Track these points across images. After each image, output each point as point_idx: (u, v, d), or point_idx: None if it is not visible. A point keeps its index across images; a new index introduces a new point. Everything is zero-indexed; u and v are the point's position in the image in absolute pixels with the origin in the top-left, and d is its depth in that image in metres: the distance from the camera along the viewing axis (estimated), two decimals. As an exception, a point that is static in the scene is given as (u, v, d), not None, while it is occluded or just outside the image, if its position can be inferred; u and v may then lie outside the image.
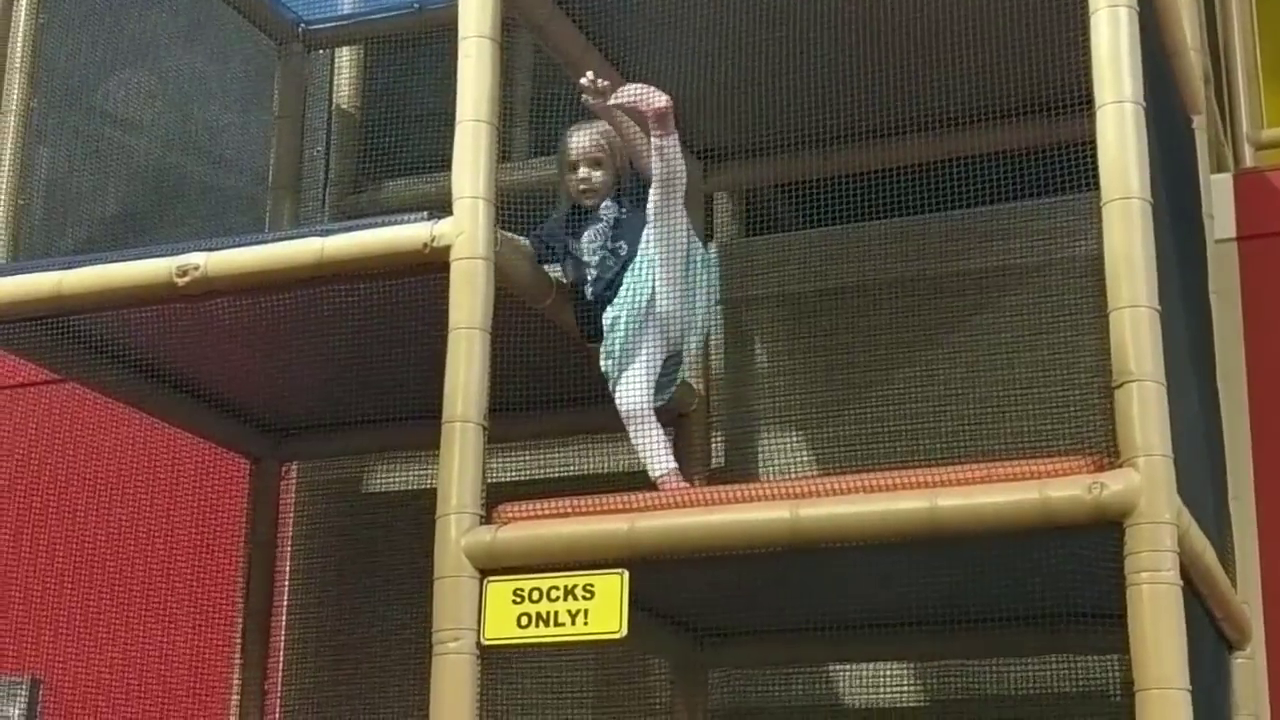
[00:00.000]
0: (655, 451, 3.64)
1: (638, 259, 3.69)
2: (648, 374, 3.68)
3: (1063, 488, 3.03)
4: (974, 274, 4.36)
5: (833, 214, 4.46)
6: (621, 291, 3.68)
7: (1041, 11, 3.68)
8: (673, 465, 3.64)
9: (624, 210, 3.80)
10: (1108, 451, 3.07)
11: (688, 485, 3.69)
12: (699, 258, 3.75)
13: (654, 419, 3.69)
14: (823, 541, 3.19)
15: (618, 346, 3.67)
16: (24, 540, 4.95)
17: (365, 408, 4.56)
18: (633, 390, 3.67)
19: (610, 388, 3.71)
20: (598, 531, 3.32)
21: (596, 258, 3.76)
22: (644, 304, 3.66)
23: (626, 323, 3.66)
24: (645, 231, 3.69)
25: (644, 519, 3.30)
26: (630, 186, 3.83)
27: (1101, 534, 3.03)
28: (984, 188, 4.06)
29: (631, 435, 3.67)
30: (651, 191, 3.69)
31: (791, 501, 3.20)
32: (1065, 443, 3.49)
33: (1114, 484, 3.00)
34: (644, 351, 3.68)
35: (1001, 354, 4.20)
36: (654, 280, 3.65)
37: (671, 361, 3.75)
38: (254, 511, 4.74)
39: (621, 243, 3.76)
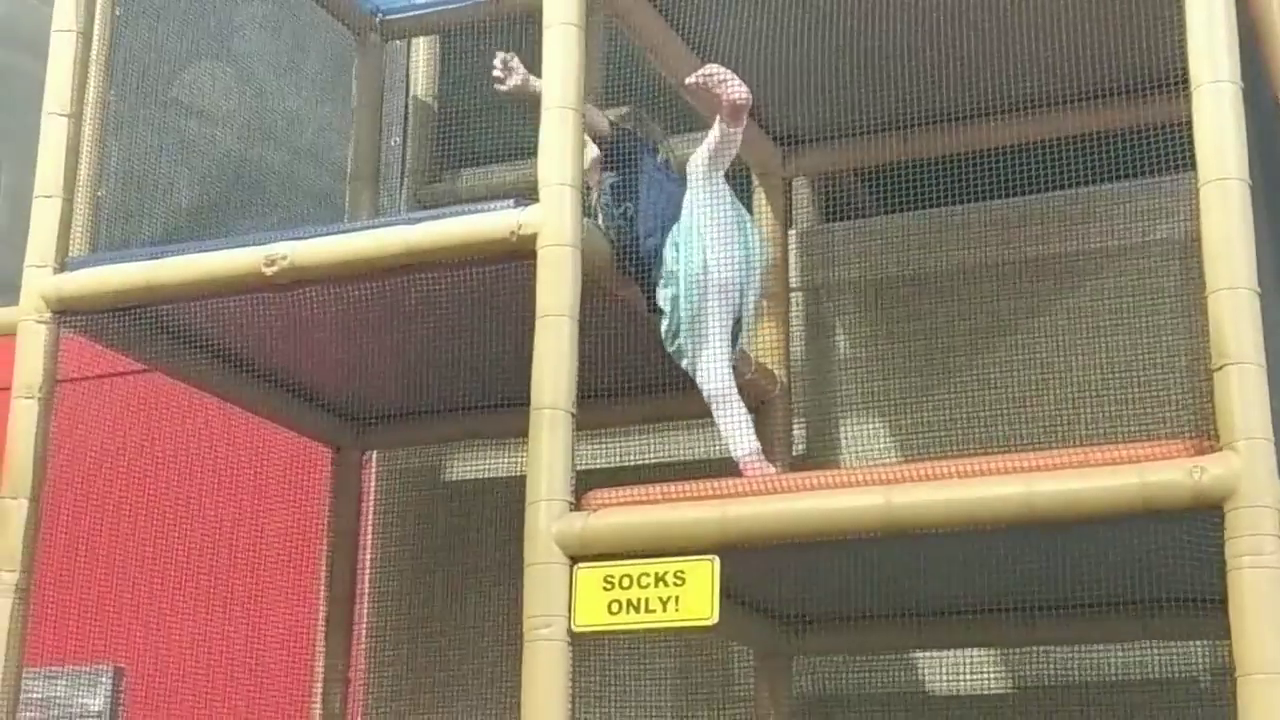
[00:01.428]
0: (739, 431, 3.63)
1: (683, 229, 3.65)
2: (723, 349, 3.66)
3: (1162, 472, 3.00)
4: (1063, 257, 4.32)
5: (913, 199, 4.45)
6: (670, 264, 3.65)
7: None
8: (756, 445, 3.63)
9: (617, 173, 3.79)
10: (1207, 435, 3.03)
11: (771, 466, 3.68)
12: (745, 222, 3.74)
13: (738, 398, 3.68)
14: (916, 528, 3.16)
15: (682, 325, 3.66)
16: (108, 529, 4.99)
17: (446, 396, 4.57)
18: (715, 370, 3.65)
19: (685, 367, 3.68)
20: (689, 518, 3.31)
21: (603, 226, 3.75)
22: (699, 275, 3.63)
23: (687, 298, 3.63)
24: (687, 199, 3.67)
25: (735, 505, 3.29)
26: (615, 150, 3.80)
27: (1201, 519, 3.00)
28: (1073, 170, 4.02)
29: (716, 416, 3.66)
30: (698, 162, 3.66)
31: (885, 487, 3.18)
32: (1160, 425, 3.45)
33: (1214, 468, 2.96)
34: (714, 326, 3.65)
35: (1092, 337, 4.16)
36: (704, 249, 3.63)
37: (735, 327, 3.73)
38: (336, 500, 4.76)
39: (626, 205, 3.75)
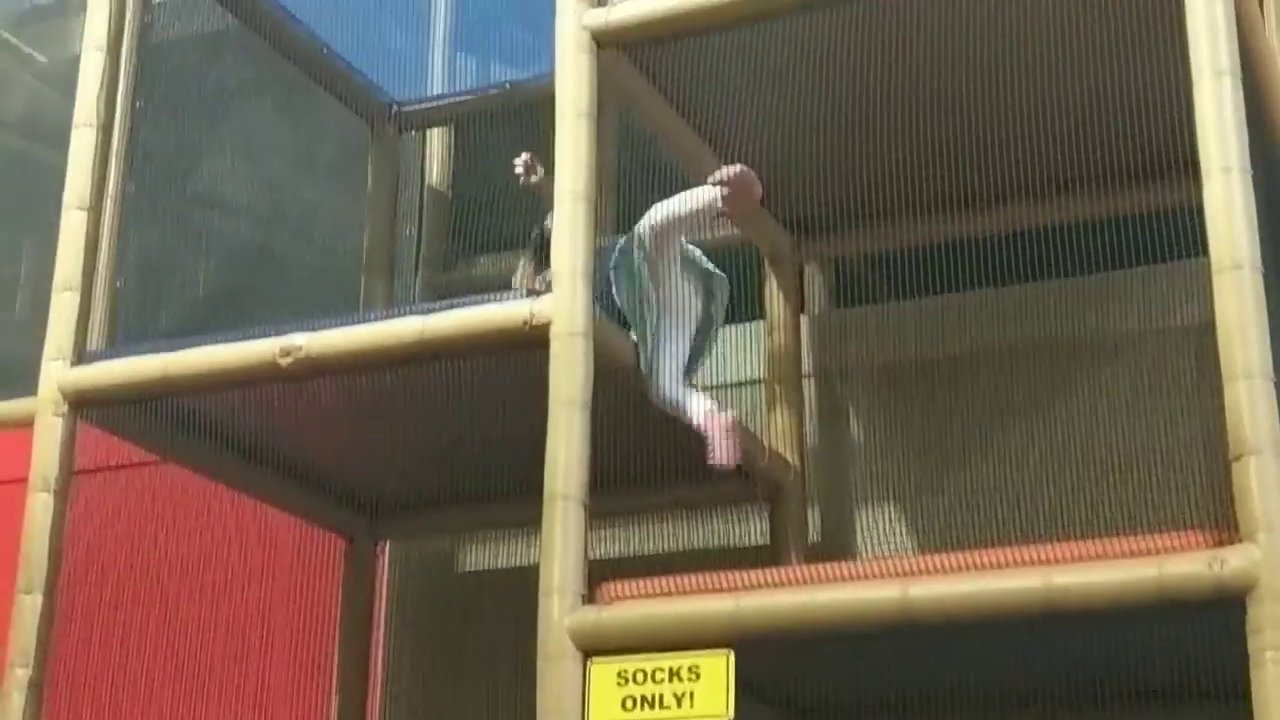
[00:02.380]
0: (694, 408, 3.73)
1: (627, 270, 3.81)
2: (675, 364, 3.83)
3: (1181, 564, 2.97)
4: (1079, 342, 4.31)
5: (926, 283, 4.45)
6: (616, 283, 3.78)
7: (1142, 79, 3.65)
8: (710, 405, 3.71)
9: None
10: (1225, 525, 3.01)
11: (729, 412, 3.72)
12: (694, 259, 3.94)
13: (689, 392, 3.80)
14: (933, 620, 3.13)
15: (643, 344, 3.76)
16: (120, 621, 4.96)
17: (459, 485, 4.55)
18: (666, 383, 3.79)
19: (646, 384, 3.78)
20: (703, 611, 3.29)
21: None
22: (642, 290, 3.74)
23: (633, 312, 3.74)
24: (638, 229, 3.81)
25: (750, 597, 3.27)
26: None
27: (1222, 611, 2.96)
28: (1088, 254, 4.03)
29: (675, 414, 3.76)
30: (665, 215, 3.75)
31: (901, 579, 3.15)
32: (1180, 511, 3.43)
33: (1234, 559, 2.93)
34: (666, 344, 3.80)
35: (1110, 423, 4.14)
36: (644, 266, 3.75)
37: (700, 335, 3.93)
38: (349, 590, 4.73)
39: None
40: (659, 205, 3.79)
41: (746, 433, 4.14)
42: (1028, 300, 4.39)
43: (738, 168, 3.73)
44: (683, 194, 3.79)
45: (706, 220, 3.83)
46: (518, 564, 4.67)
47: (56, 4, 7.15)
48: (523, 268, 4.12)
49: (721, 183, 3.71)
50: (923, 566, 3.18)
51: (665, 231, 3.80)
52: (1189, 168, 3.26)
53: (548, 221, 3.94)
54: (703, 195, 3.77)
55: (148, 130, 4.54)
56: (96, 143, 4.15)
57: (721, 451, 3.68)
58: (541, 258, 3.98)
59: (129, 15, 4.34)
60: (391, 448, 4.38)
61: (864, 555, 4.40)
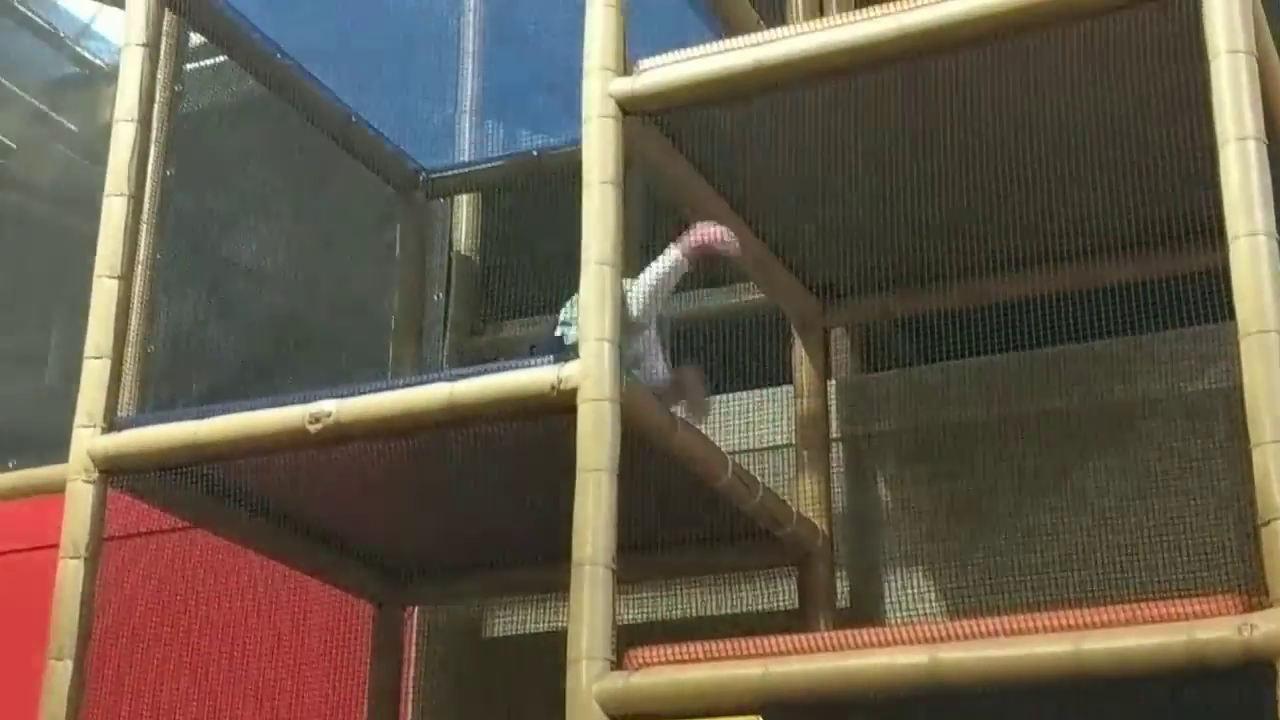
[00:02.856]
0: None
1: None
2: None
3: (1211, 629, 2.95)
4: (1109, 406, 4.30)
5: (955, 348, 4.46)
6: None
7: (1167, 145, 3.67)
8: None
9: None
10: (1256, 590, 2.99)
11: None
12: None
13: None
14: (964, 686, 3.11)
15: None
16: (148, 686, 4.97)
17: (487, 550, 4.56)
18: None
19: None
20: (732, 676, 3.27)
21: None
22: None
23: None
24: None
25: (778, 663, 3.25)
26: None
27: (1252, 675, 2.94)
28: (1117, 318, 4.04)
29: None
30: (642, 293, 3.78)
31: (931, 645, 3.14)
32: (1211, 576, 3.41)
33: (1265, 624, 2.91)
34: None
35: (1140, 487, 4.13)
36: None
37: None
38: (377, 657, 4.73)
39: None
40: (636, 286, 3.80)
41: (773, 496, 4.15)
42: (1055, 364, 4.39)
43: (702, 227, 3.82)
44: (650, 268, 3.83)
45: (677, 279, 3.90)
46: (545, 629, 4.68)
47: (86, 73, 7.27)
48: None
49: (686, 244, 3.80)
50: (952, 632, 3.17)
51: (651, 308, 3.85)
52: (1215, 232, 3.26)
53: None
54: (667, 262, 3.84)
55: (177, 198, 4.60)
56: (128, 211, 4.18)
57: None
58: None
59: (159, 85, 4.39)
60: (419, 512, 4.39)
61: (892, 620, 4.38)
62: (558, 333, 3.86)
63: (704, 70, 3.70)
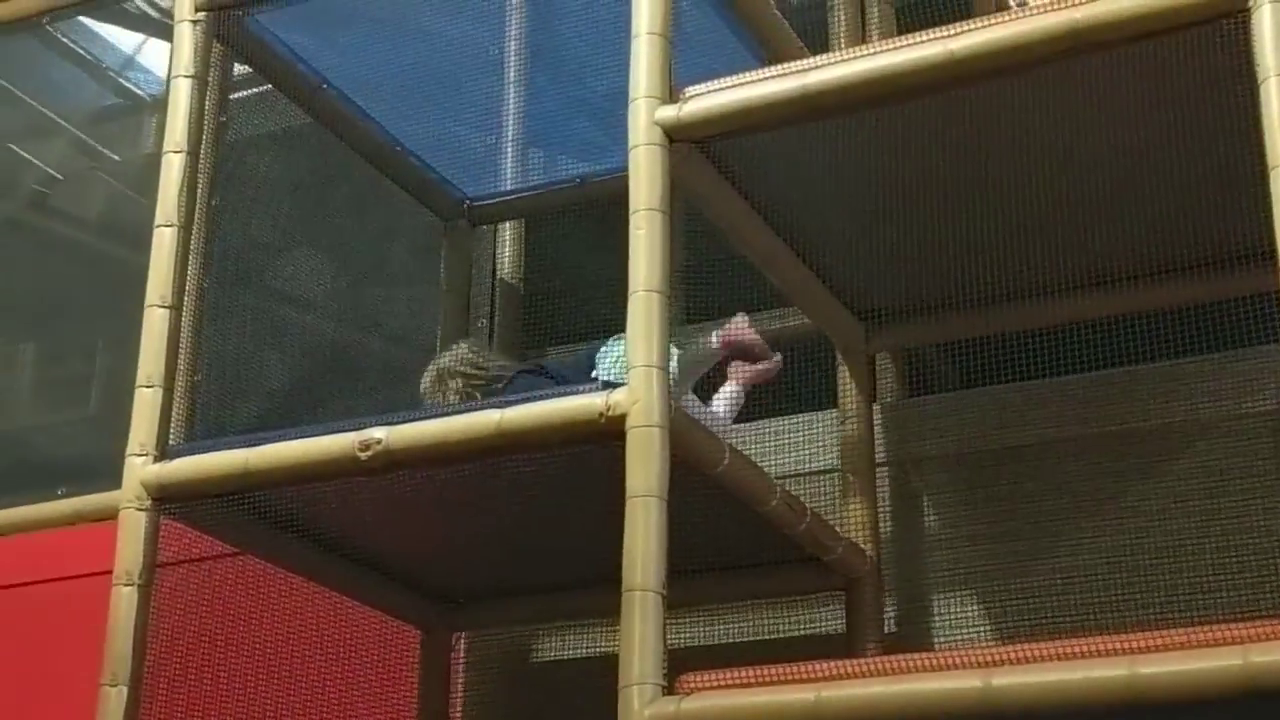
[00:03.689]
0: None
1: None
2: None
3: (1267, 652, 2.93)
4: (1156, 430, 4.29)
5: (1000, 372, 4.45)
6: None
7: (1214, 167, 3.67)
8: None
9: None
10: (1312, 613, 2.98)
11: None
12: None
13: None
14: (1016, 711, 3.11)
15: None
16: (196, 711, 4.99)
17: (535, 575, 4.58)
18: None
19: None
20: (783, 702, 3.28)
21: None
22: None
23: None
24: None
25: (830, 688, 3.25)
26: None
27: (1311, 700, 2.93)
28: (1159, 341, 4.03)
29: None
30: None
31: (983, 669, 3.13)
32: (1263, 597, 3.40)
33: (1322, 648, 2.90)
34: None
35: (1189, 511, 4.11)
36: None
37: None
38: (424, 683, 4.74)
39: None
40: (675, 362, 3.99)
41: (820, 521, 4.16)
42: (1101, 387, 4.38)
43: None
44: (689, 348, 4.20)
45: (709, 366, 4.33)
46: (594, 653, 4.69)
47: (129, 104, 7.35)
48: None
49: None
50: (1005, 656, 3.16)
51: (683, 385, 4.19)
52: (1265, 254, 3.26)
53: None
54: (708, 349, 4.29)
55: (224, 227, 4.63)
56: (177, 241, 4.23)
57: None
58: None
59: (207, 115, 4.43)
60: (467, 539, 4.41)
61: (941, 645, 4.37)
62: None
63: (750, 97, 3.72)
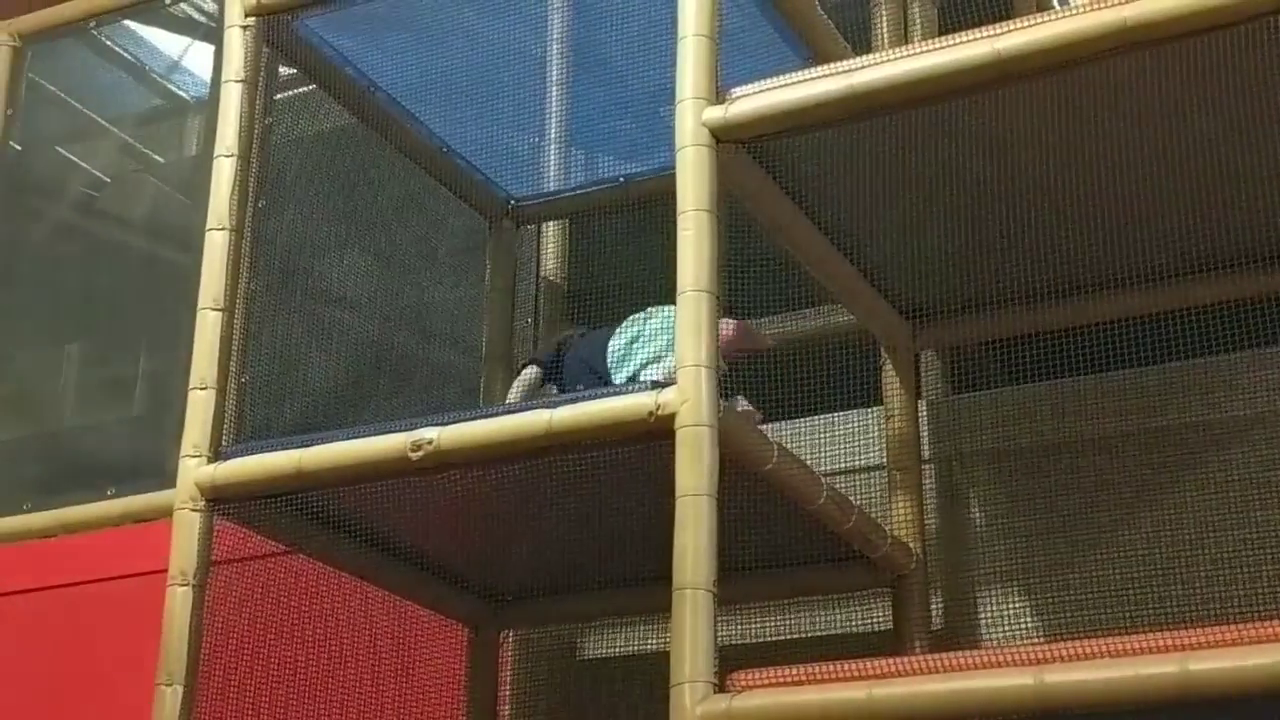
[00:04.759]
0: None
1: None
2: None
3: (1321, 649, 2.94)
4: (1203, 425, 4.28)
5: (1046, 368, 4.46)
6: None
7: (1262, 162, 3.67)
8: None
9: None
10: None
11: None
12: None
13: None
14: (1068, 708, 3.12)
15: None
16: (249, 708, 5.03)
17: (584, 573, 4.61)
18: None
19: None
20: (835, 699, 3.29)
21: None
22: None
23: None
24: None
25: (882, 686, 3.27)
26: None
27: (1365, 696, 2.93)
28: (1206, 337, 4.03)
29: None
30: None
31: (1035, 667, 3.14)
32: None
33: (1376, 644, 2.91)
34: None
35: (1238, 507, 4.11)
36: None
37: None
38: (473, 681, 4.78)
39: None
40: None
41: (867, 518, 4.17)
42: (1149, 384, 4.38)
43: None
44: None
45: None
46: (643, 650, 4.71)
47: (174, 105, 7.40)
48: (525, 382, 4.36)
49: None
50: (1057, 654, 3.17)
51: None
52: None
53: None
54: None
55: (272, 228, 4.67)
56: (229, 244, 4.27)
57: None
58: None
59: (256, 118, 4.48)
60: (516, 537, 4.45)
61: (988, 641, 4.38)
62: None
63: (796, 98, 3.74)
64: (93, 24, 6.72)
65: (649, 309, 4.16)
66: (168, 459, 5.45)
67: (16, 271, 6.67)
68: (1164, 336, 4.22)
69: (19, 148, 6.76)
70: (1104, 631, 3.35)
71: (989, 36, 3.55)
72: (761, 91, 3.79)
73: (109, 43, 7.07)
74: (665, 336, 4.02)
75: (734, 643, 4.45)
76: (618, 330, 4.19)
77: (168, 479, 4.71)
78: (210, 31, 6.54)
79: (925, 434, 4.65)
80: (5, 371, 6.59)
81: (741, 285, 4.65)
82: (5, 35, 6.58)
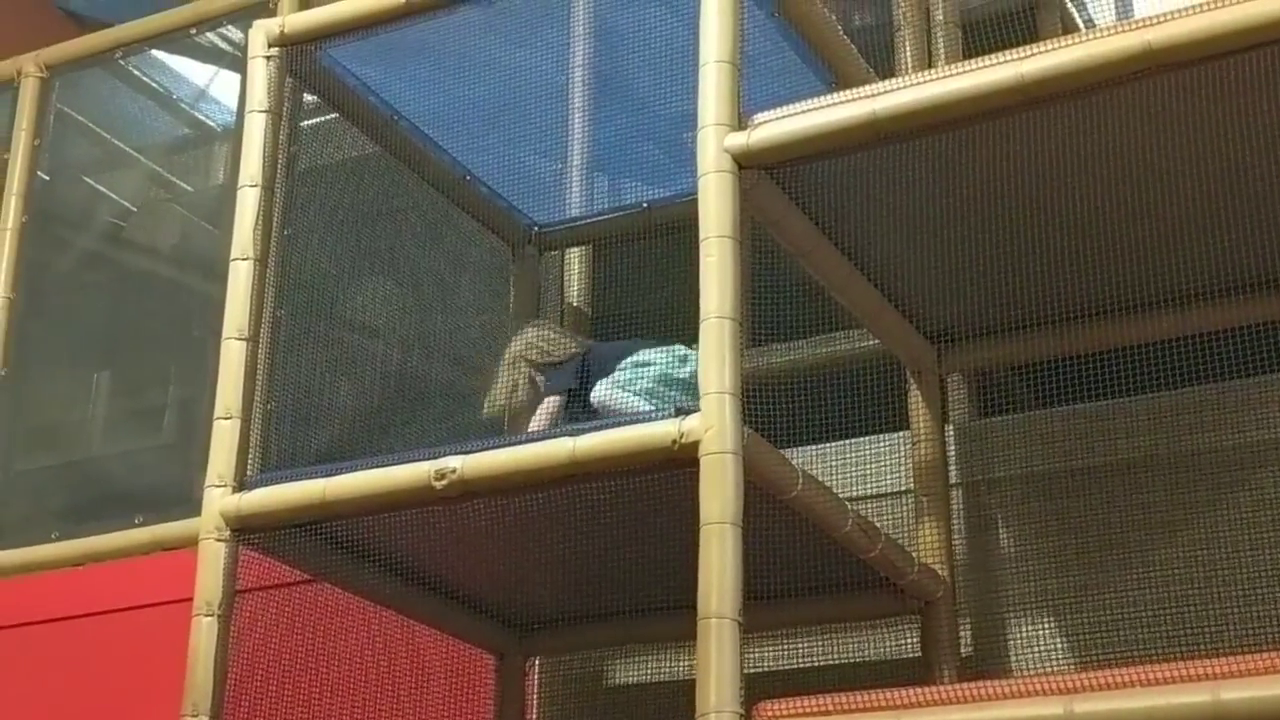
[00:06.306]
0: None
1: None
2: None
3: (1355, 677, 2.91)
4: (1236, 449, 4.24)
5: (1073, 392, 4.43)
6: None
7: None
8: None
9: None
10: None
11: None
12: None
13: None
14: (1099, 736, 3.09)
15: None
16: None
17: (609, 600, 4.59)
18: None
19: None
20: (862, 729, 3.28)
21: None
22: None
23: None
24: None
25: (911, 716, 3.25)
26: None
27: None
28: (1235, 360, 4.00)
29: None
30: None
31: (1065, 696, 3.12)
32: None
33: None
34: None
35: (1271, 531, 4.07)
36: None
37: None
38: (500, 708, 4.76)
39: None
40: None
41: (894, 544, 4.15)
42: (1178, 407, 4.34)
43: None
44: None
45: None
46: (667, 677, 4.69)
47: (200, 134, 7.44)
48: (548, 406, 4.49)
49: None
50: (1087, 683, 3.14)
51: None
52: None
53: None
54: None
55: (296, 257, 4.68)
56: (254, 275, 4.28)
57: None
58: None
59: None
60: (541, 565, 4.44)
61: (1017, 668, 4.34)
62: (603, 396, 4.34)
63: (819, 123, 3.73)
64: (119, 54, 6.76)
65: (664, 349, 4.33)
66: (195, 487, 5.46)
67: (45, 301, 6.70)
68: (1193, 359, 4.19)
69: (47, 177, 6.79)
70: (1135, 658, 3.34)
71: (1014, 60, 3.54)
72: (784, 117, 3.78)
73: (136, 72, 7.11)
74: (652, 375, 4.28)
75: (761, 670, 4.43)
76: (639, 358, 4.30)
77: (195, 507, 4.72)
78: (236, 60, 6.57)
79: (952, 458, 4.62)
80: (33, 400, 6.61)
81: (766, 310, 4.65)
82: (32, 66, 6.62)
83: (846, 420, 4.64)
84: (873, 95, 3.69)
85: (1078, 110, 3.60)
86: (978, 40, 5.22)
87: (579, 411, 4.43)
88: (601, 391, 4.38)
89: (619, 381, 4.35)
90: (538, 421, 4.42)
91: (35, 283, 6.63)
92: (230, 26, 6.55)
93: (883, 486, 4.62)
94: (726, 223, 3.72)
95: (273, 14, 5.94)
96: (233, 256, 4.29)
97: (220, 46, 6.77)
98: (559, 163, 5.23)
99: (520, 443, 3.87)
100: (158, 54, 6.98)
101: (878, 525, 4.10)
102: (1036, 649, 4.37)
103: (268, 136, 4.37)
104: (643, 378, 4.33)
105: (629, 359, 4.40)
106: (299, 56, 4.47)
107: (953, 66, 3.73)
